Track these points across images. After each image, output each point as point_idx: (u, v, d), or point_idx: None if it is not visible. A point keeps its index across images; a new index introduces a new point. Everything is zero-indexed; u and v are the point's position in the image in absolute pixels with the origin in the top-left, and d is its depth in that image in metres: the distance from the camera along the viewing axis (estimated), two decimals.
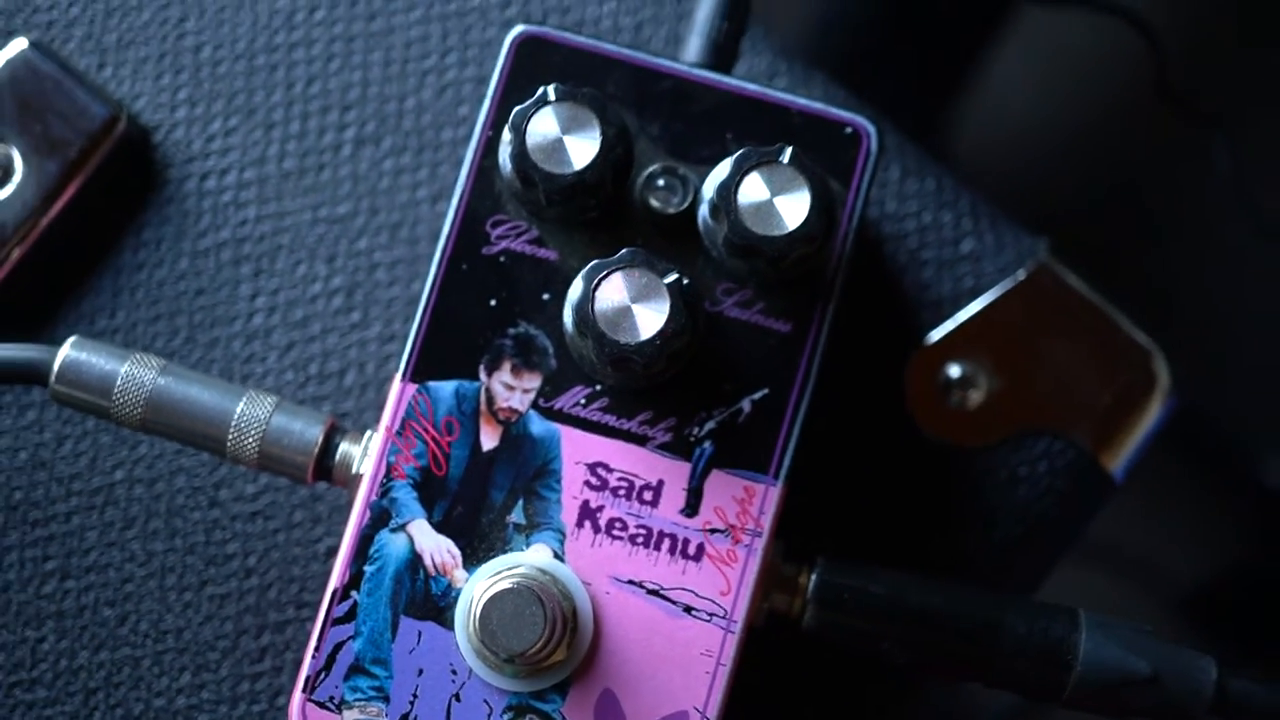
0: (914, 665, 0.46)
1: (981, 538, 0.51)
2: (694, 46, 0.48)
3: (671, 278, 0.43)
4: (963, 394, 0.52)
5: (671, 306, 0.42)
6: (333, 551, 0.51)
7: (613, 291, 0.43)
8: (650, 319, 0.42)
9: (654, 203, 0.45)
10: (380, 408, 0.51)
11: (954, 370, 0.52)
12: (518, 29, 0.46)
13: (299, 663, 0.50)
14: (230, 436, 0.45)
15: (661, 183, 0.45)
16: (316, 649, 0.44)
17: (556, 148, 0.43)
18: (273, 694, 0.50)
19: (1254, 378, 1.03)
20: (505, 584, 0.42)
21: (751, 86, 0.46)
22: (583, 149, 0.43)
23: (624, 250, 0.43)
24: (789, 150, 0.43)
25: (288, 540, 0.51)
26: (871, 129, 0.46)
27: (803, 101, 0.46)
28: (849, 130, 0.46)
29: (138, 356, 0.46)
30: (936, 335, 0.52)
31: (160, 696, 0.50)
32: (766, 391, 0.45)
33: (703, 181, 0.45)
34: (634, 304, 0.43)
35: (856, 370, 0.51)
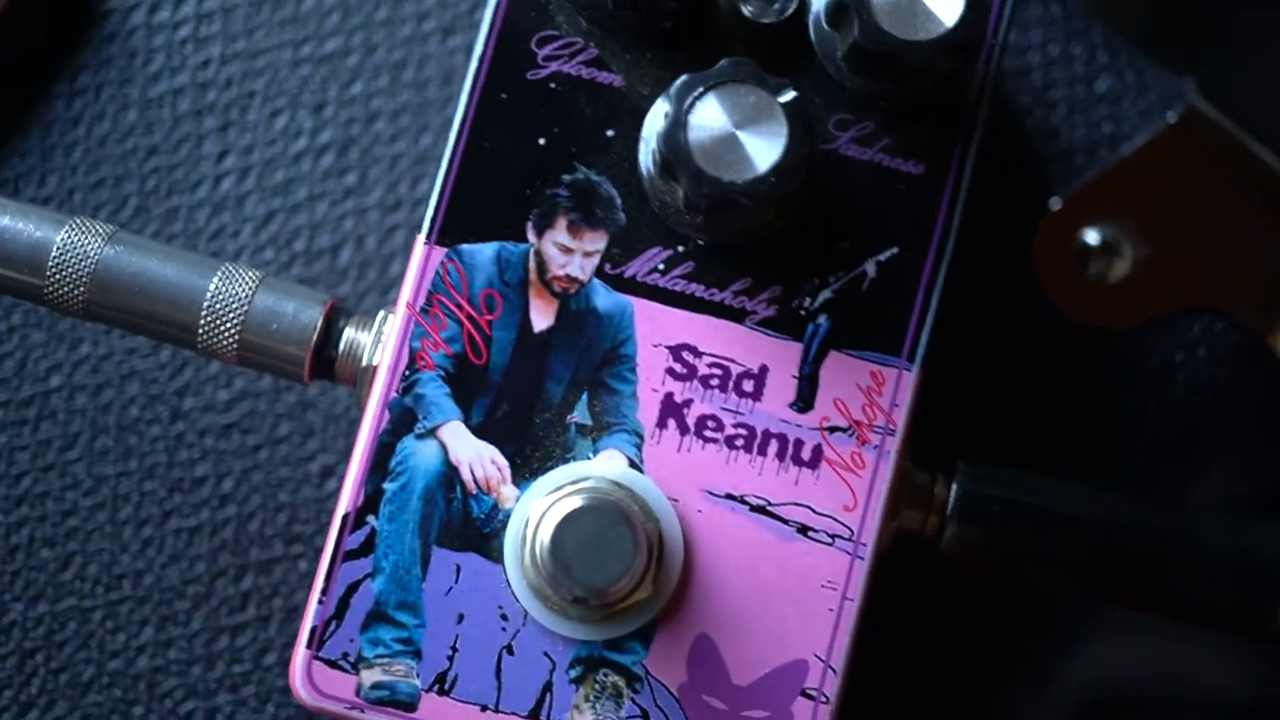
0: (1081, 593, 0.37)
1: (1130, 440, 0.43)
2: None
3: (789, 95, 0.33)
4: (1104, 264, 0.43)
5: (790, 133, 0.33)
6: (329, 472, 0.41)
7: (712, 114, 0.33)
8: (763, 149, 0.33)
9: (747, 9, 0.36)
10: (384, 291, 0.41)
11: (1092, 236, 0.43)
12: None
13: (292, 610, 0.40)
14: (203, 322, 0.36)
15: None
16: (324, 591, 0.34)
17: None
18: (258, 651, 0.41)
19: None
20: (578, 500, 0.32)
21: None
22: None
23: (724, 61, 0.33)
24: None
25: (271, 459, 0.41)
26: None
27: None
28: None
29: (78, 221, 0.36)
30: (1070, 193, 0.42)
31: (115, 657, 0.40)
32: (895, 251, 0.35)
33: None
34: (740, 130, 0.33)
35: (978, 236, 0.41)
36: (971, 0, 0.33)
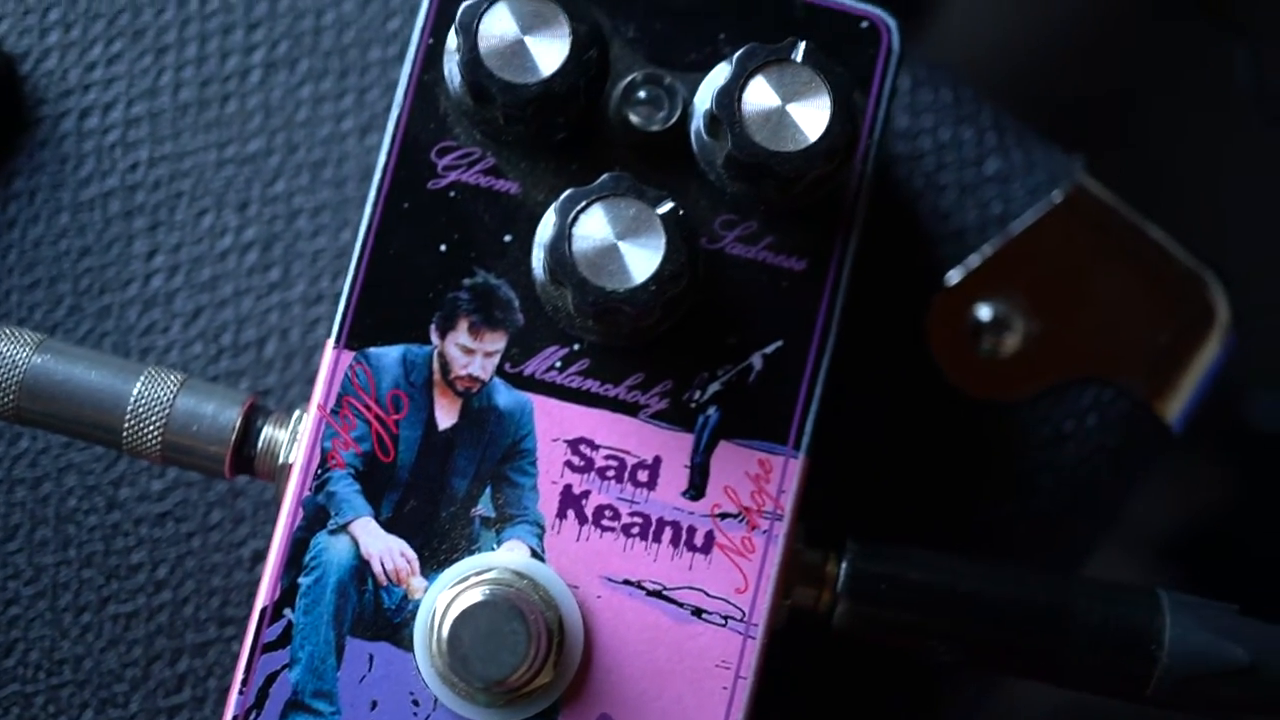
0: (968, 663, 0.39)
1: (1020, 507, 0.44)
2: None
3: (666, 207, 0.35)
4: (995, 339, 0.44)
5: (668, 243, 0.34)
6: (259, 556, 0.43)
7: (595, 226, 0.35)
8: (642, 259, 0.34)
9: (634, 119, 0.38)
10: (308, 381, 0.43)
11: (984, 312, 0.44)
12: None
13: (225, 691, 0.42)
14: (126, 425, 0.37)
15: (643, 94, 0.38)
16: (244, 682, 0.36)
17: (516, 51, 0.35)
18: None
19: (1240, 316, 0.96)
20: (476, 595, 0.34)
21: None
22: (549, 52, 0.35)
23: (605, 176, 0.35)
24: (803, 46, 0.35)
25: (204, 545, 0.43)
26: (892, 23, 0.38)
27: None
28: (865, 24, 0.38)
29: (7, 331, 0.38)
30: (961, 272, 0.44)
31: None
32: (780, 344, 0.37)
33: (692, 91, 0.38)
34: (621, 241, 0.35)
35: (872, 315, 0.43)
36: (837, 112, 0.35)
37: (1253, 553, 0.87)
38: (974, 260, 0.45)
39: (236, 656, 0.43)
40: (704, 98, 0.37)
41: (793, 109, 0.35)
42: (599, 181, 0.35)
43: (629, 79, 0.38)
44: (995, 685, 0.45)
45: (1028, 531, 0.44)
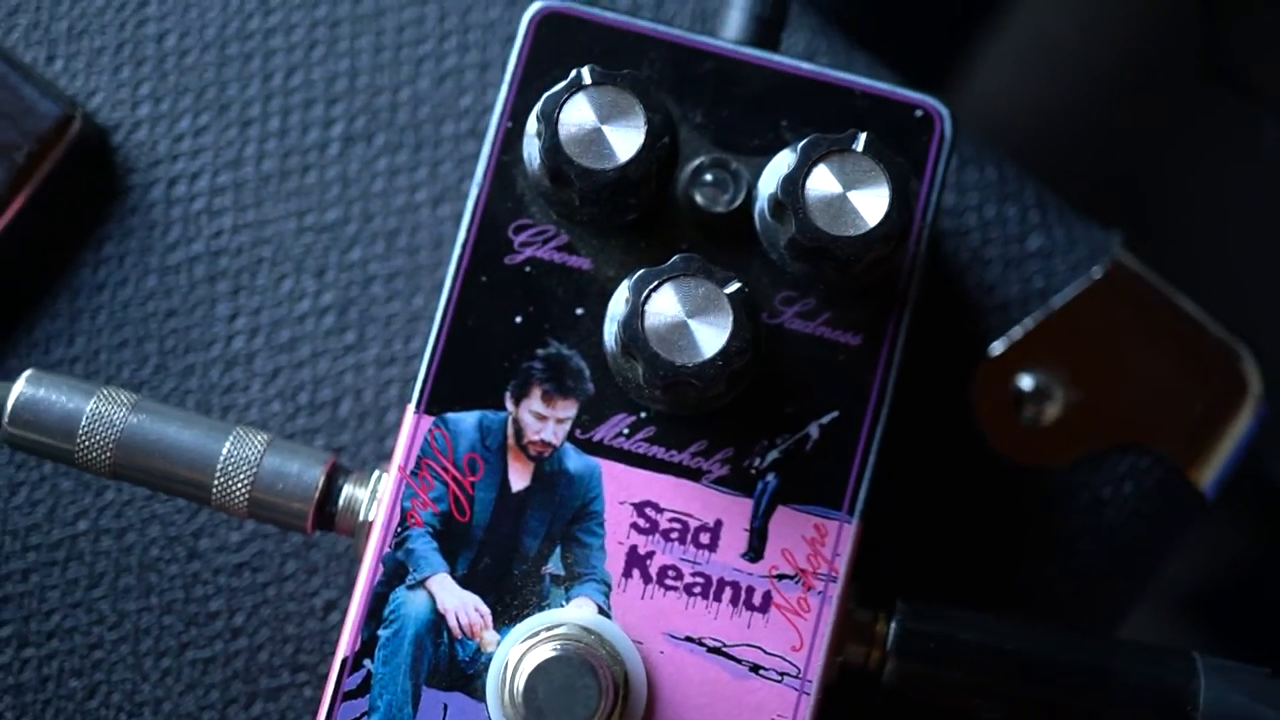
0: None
1: (1061, 568, 0.46)
2: (734, 22, 0.42)
3: (733, 287, 0.37)
4: (1037, 408, 0.46)
5: (735, 320, 0.37)
6: (332, 606, 0.45)
7: (666, 304, 0.37)
8: (710, 336, 0.37)
9: (700, 200, 0.40)
10: (380, 439, 0.45)
11: (1026, 382, 0.46)
12: (537, 4, 0.40)
13: None
14: (216, 482, 0.39)
15: (709, 178, 0.40)
16: None
17: (594, 139, 0.37)
18: None
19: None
20: (550, 650, 0.36)
21: (806, 66, 0.41)
22: (625, 140, 0.37)
23: (676, 257, 0.37)
24: (864, 137, 0.37)
25: (279, 594, 0.45)
26: (945, 111, 0.40)
27: (865, 82, 0.41)
28: (919, 114, 0.40)
29: (105, 392, 0.40)
30: (1005, 343, 0.46)
31: None
32: (836, 414, 0.39)
33: (756, 175, 0.40)
34: (690, 319, 0.37)
35: (919, 384, 0.45)
36: (895, 199, 0.37)
37: None
38: (1017, 332, 0.47)
39: (309, 702, 0.45)
40: (768, 182, 0.39)
41: (853, 196, 0.37)
42: (671, 262, 0.37)
43: (696, 163, 0.40)
44: None
45: (1068, 592, 0.46)
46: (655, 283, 0.37)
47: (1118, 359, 0.47)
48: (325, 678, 0.39)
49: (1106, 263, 0.47)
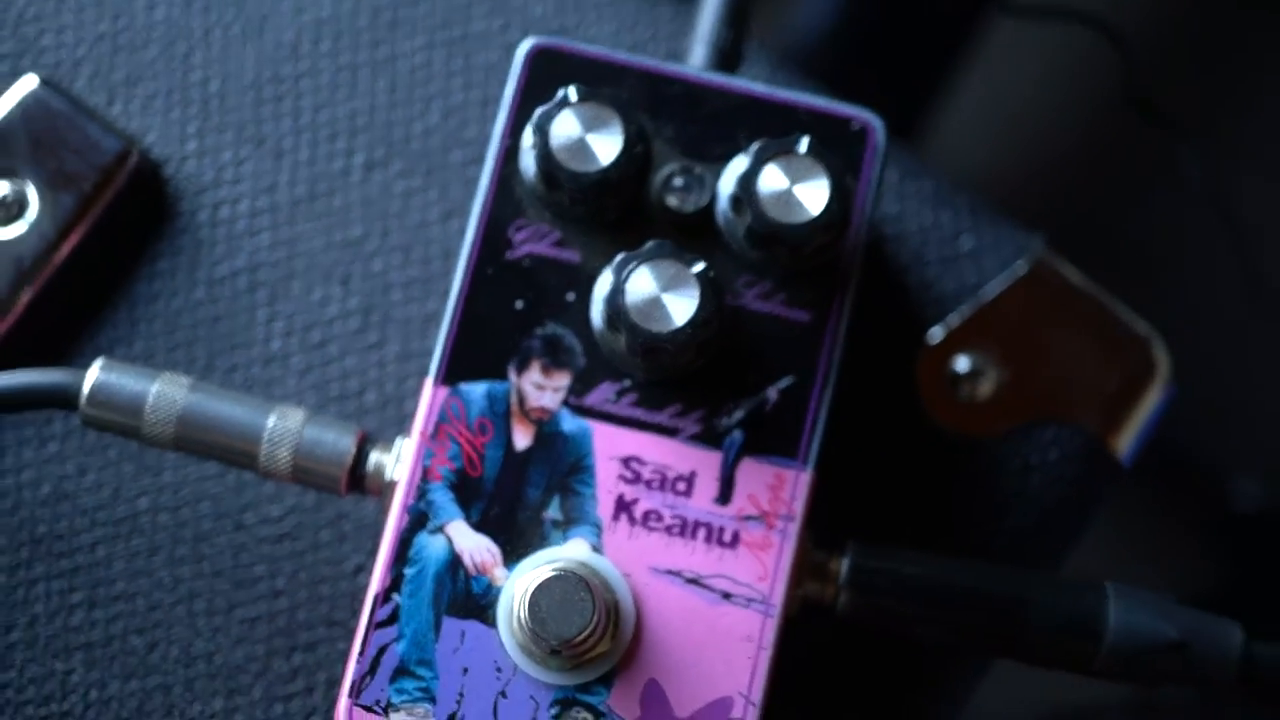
0: (947, 644, 0.47)
1: (996, 526, 0.52)
2: (699, 54, 0.49)
3: (699, 266, 0.44)
4: (972, 386, 0.53)
5: (701, 294, 0.43)
6: (360, 569, 0.51)
7: (643, 283, 0.44)
8: (681, 307, 0.43)
9: (671, 202, 0.47)
10: (401, 424, 0.52)
11: (962, 364, 0.53)
12: (529, 41, 0.48)
13: (332, 682, 0.50)
14: (263, 450, 0.46)
15: (679, 182, 0.47)
16: (361, 653, 0.44)
17: (580, 147, 0.44)
18: (305, 714, 0.50)
19: (1219, 400, 1.04)
20: (549, 571, 0.43)
21: (759, 87, 0.48)
22: (606, 147, 0.44)
23: (650, 243, 0.44)
24: (805, 140, 0.44)
25: (315, 560, 0.51)
26: (877, 123, 0.47)
27: (809, 99, 0.48)
28: (855, 126, 0.47)
29: (167, 375, 0.46)
30: (943, 330, 0.53)
31: None
32: (791, 379, 0.46)
33: (718, 179, 0.47)
34: (664, 293, 0.44)
35: (870, 366, 0.52)
36: (833, 193, 0.44)
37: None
38: (953, 320, 0.53)
39: (341, 653, 0.51)
40: (727, 183, 0.46)
41: (798, 190, 0.44)
42: (646, 248, 0.44)
43: (667, 170, 0.47)
44: (983, 668, 0.53)
45: (1000, 547, 0.52)
46: (634, 264, 0.44)
47: (1042, 343, 0.53)
48: (354, 630, 0.45)
49: (1030, 259, 0.54)
